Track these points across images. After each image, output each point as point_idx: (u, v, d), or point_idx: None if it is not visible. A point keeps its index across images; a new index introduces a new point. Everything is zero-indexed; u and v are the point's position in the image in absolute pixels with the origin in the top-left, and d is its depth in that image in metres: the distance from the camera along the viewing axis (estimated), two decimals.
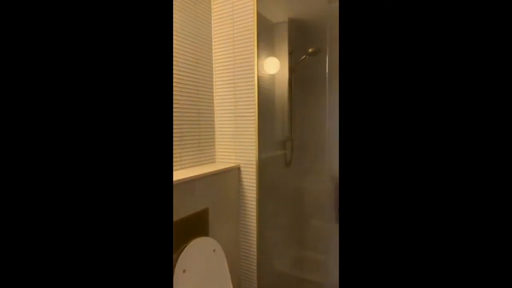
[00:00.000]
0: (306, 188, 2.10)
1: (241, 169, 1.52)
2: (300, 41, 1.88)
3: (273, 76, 1.66)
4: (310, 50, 1.71)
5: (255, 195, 1.49)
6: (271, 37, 1.74)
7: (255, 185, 1.49)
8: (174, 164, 1.30)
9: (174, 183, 1.09)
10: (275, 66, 1.67)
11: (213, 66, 1.55)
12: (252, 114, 1.46)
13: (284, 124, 1.84)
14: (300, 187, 2.09)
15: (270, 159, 1.67)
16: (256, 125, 1.46)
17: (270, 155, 1.66)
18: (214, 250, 1.24)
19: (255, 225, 1.50)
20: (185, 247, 1.12)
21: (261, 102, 1.48)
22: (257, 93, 1.45)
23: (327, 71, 1.80)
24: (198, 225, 1.25)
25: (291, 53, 1.79)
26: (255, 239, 1.51)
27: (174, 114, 1.29)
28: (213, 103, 1.56)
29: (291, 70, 1.82)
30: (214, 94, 1.57)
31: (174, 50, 1.30)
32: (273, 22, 1.73)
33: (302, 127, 2.05)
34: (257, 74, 1.44)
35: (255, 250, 1.52)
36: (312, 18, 1.90)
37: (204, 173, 1.27)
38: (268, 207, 1.60)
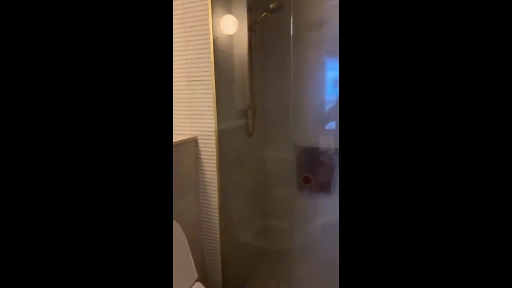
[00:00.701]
0: (269, 157, 2.07)
1: (199, 141, 1.40)
2: None
3: (231, 36, 1.49)
4: (271, 5, 1.55)
5: (215, 168, 1.40)
6: None
7: (215, 157, 1.38)
8: None
9: None
10: (232, 25, 1.49)
11: None
12: (209, 79, 1.31)
13: (244, 90, 1.72)
14: (263, 157, 2.04)
15: (231, 129, 1.56)
16: (213, 92, 1.32)
17: (230, 125, 1.55)
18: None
19: (216, 198, 1.43)
20: None
21: (218, 66, 1.32)
22: (213, 56, 1.28)
23: (291, 30, 1.68)
24: None
25: (250, 10, 1.62)
26: (217, 213, 1.45)
27: None
28: None
29: (251, 29, 1.66)
30: None
31: None
32: None
33: (264, 94, 1.95)
34: (213, 34, 1.27)
35: (217, 223, 1.46)
36: None
37: None
38: (230, 179, 1.53)
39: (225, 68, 1.46)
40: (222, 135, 1.39)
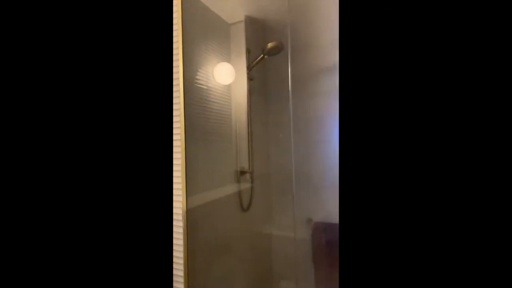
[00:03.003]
0: (273, 237, 1.58)
1: None
2: (254, 42, 1.45)
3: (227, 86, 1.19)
4: (269, 45, 1.26)
5: (182, 264, 0.95)
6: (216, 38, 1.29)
7: (182, 249, 0.95)
8: None
9: None
10: (227, 73, 1.20)
11: None
12: (177, 138, 0.96)
13: (238, 150, 1.35)
14: (263, 237, 1.55)
15: (214, 202, 1.15)
16: (182, 156, 0.95)
17: (213, 197, 1.14)
18: None
19: None
20: None
21: (190, 121, 0.99)
22: (183, 109, 0.96)
23: (289, 78, 1.36)
24: None
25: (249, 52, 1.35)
26: None
27: None
28: None
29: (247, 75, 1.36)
30: None
31: None
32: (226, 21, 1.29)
33: (263, 154, 1.57)
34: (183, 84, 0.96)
35: None
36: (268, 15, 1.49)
37: None
38: (212, 273, 1.06)
39: (201, 121, 1.12)
40: (196, 213, 0.98)
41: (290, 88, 1.44)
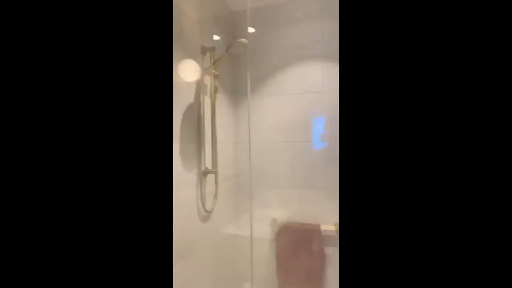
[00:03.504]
0: (236, 238, 1.55)
1: None
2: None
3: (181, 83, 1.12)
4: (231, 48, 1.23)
5: None
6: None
7: None
8: None
9: None
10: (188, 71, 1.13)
11: None
12: None
13: (201, 149, 1.29)
14: (226, 239, 1.52)
15: (174, 205, 1.08)
16: None
17: (174, 200, 1.07)
18: None
19: None
20: None
21: None
22: None
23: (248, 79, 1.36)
24: None
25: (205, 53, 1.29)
26: None
27: None
28: None
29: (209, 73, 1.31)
30: None
31: None
32: None
33: (226, 153, 1.53)
34: None
35: None
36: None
37: None
38: (176, 276, 0.99)
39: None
40: None
41: (249, 88, 1.43)
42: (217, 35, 1.44)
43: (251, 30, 1.57)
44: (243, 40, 1.19)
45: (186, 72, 1.15)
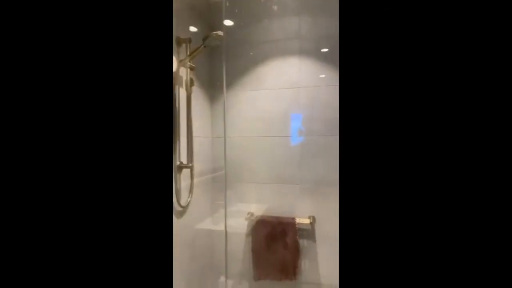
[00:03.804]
0: (212, 233, 1.54)
1: None
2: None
3: None
4: (207, 40, 1.20)
5: None
6: None
7: None
8: None
9: None
10: None
11: None
12: None
13: (177, 143, 1.26)
14: (201, 233, 1.51)
15: None
16: None
17: None
18: None
19: None
20: None
21: None
22: None
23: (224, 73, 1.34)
24: None
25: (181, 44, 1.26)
26: None
27: None
28: None
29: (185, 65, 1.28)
30: None
31: None
32: None
33: (203, 146, 1.51)
34: None
35: None
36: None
37: None
38: None
39: None
40: None
41: (224, 81, 1.40)
42: (193, 26, 1.40)
43: (229, 23, 1.54)
44: (219, 32, 1.17)
45: None
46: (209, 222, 1.57)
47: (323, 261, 1.44)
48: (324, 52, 1.44)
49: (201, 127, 1.49)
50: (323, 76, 1.45)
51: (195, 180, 1.33)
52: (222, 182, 1.55)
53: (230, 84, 1.58)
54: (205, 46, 1.22)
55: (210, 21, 1.56)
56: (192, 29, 1.38)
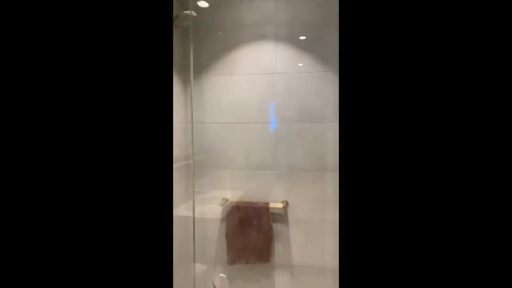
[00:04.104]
0: (183, 218, 1.53)
1: None
2: None
3: None
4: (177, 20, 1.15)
5: None
6: None
7: None
8: None
9: None
10: None
11: None
12: None
13: None
14: (177, 221, 1.49)
15: None
16: None
17: None
18: None
19: None
20: None
21: None
22: None
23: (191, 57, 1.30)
24: None
25: None
26: None
27: None
28: None
29: None
30: None
31: None
32: None
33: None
34: None
35: None
36: None
37: None
38: None
39: None
40: None
41: (191, 64, 1.36)
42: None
43: (204, 4, 1.49)
44: (189, 11, 1.13)
45: None
46: (183, 208, 1.55)
47: (296, 244, 1.49)
48: (302, 40, 1.43)
49: (174, 112, 1.45)
50: (301, 65, 1.44)
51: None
52: (197, 168, 1.54)
53: (204, 69, 1.54)
54: (176, 26, 1.17)
55: (184, 2, 1.50)
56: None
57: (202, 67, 1.53)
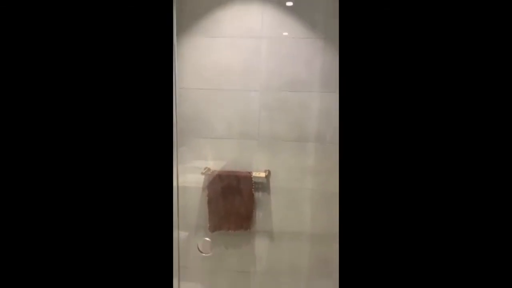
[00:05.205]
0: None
1: None
2: None
3: None
4: None
5: None
6: None
7: None
8: None
9: None
10: None
11: None
12: None
13: None
14: None
15: None
16: None
17: None
18: None
19: None
20: None
21: None
22: None
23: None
24: None
25: None
26: None
27: None
28: None
29: None
30: None
31: None
32: None
33: None
34: None
35: None
36: None
37: None
38: None
39: None
40: None
41: (174, 24, 1.26)
42: None
43: None
44: None
45: None
46: None
47: (276, 211, 1.53)
48: (289, 6, 1.35)
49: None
50: (286, 34, 1.38)
51: None
52: (179, 136, 1.48)
53: (185, 29, 1.42)
54: None
55: None
56: None
57: (182, 27, 1.42)
